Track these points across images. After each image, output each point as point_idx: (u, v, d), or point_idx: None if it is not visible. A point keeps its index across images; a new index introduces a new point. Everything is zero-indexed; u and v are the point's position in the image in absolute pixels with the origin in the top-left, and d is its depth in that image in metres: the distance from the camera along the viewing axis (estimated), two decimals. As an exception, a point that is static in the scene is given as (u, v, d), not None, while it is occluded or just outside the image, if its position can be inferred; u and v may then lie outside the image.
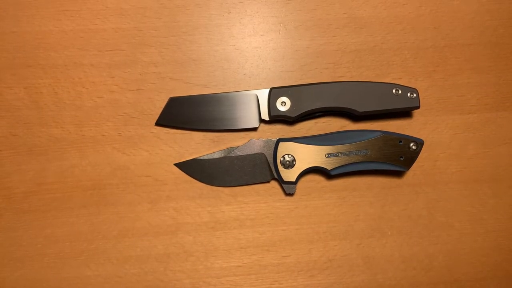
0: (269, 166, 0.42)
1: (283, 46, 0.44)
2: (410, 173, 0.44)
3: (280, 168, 0.41)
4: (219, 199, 0.43)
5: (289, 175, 0.41)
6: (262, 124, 0.43)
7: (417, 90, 0.41)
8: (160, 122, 0.42)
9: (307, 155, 0.41)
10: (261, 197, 0.43)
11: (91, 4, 0.43)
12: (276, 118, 0.42)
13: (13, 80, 0.42)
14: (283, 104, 0.41)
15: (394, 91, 0.41)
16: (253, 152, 0.42)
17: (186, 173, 0.42)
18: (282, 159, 0.41)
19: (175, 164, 0.42)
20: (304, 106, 0.41)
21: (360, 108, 0.41)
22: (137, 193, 0.42)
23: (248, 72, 0.44)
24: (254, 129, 0.43)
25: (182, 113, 0.42)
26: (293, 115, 0.41)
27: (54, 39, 0.42)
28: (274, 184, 0.43)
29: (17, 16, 0.42)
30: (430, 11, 0.45)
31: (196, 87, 0.43)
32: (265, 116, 0.42)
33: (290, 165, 0.41)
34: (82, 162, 0.42)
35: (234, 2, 0.44)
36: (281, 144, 0.41)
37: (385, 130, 0.42)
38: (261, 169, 0.42)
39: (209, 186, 0.43)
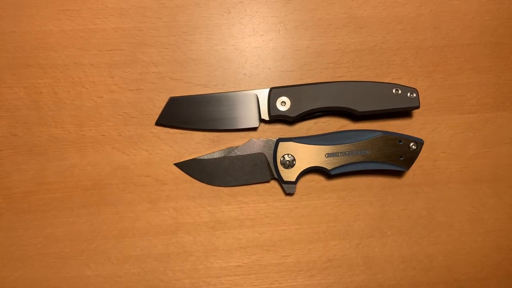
0: (269, 166, 0.42)
1: (283, 46, 0.44)
2: (410, 173, 0.44)
3: (280, 168, 0.41)
4: (219, 199, 0.43)
5: (289, 175, 0.41)
6: (262, 124, 0.43)
7: (417, 90, 0.41)
8: (160, 122, 0.42)
9: (307, 155, 0.41)
10: (261, 197, 0.43)
11: (91, 4, 0.43)
12: (276, 118, 0.42)
13: (13, 80, 0.42)
14: (283, 104, 0.41)
15: (394, 91, 0.41)
16: (253, 152, 0.42)
17: (186, 173, 0.42)
18: (282, 159, 0.41)
19: (175, 164, 0.42)
20: (304, 106, 0.41)
21: (360, 108, 0.41)
22: (137, 193, 0.42)
23: (248, 72, 0.44)
24: (254, 129, 0.43)
25: (182, 113, 0.42)
26: (293, 115, 0.41)
27: (54, 39, 0.42)
28: (274, 184, 0.43)
29: (17, 16, 0.42)
30: (430, 11, 0.45)
31: (196, 87, 0.43)
32: (265, 116, 0.42)
33: (290, 165, 0.41)
34: (82, 162, 0.42)
35: (234, 2, 0.44)
36: (281, 144, 0.41)
37: (385, 130, 0.42)
38: (261, 169, 0.42)
39: (209, 186, 0.43)
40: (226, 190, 0.43)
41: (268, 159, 0.42)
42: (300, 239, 0.43)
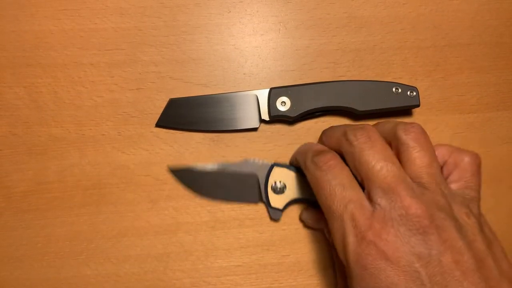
0: (259, 188, 0.41)
1: (283, 45, 0.44)
2: (410, 173, 0.44)
3: (270, 192, 0.40)
4: (219, 199, 0.43)
5: (277, 201, 0.40)
6: (262, 124, 0.43)
7: (416, 89, 0.41)
8: (160, 124, 0.42)
9: (299, 185, 0.40)
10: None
11: (90, 3, 0.43)
12: (276, 118, 0.42)
13: (13, 79, 0.42)
14: (283, 104, 0.41)
15: (394, 89, 0.41)
16: (246, 172, 0.41)
17: (178, 180, 0.42)
18: (273, 184, 0.40)
19: (169, 168, 0.42)
20: (304, 105, 0.41)
21: (360, 107, 0.41)
22: (137, 193, 0.42)
23: (248, 72, 0.44)
24: (254, 129, 0.43)
25: (182, 115, 0.42)
26: (293, 114, 0.41)
27: (54, 38, 0.42)
28: (274, 183, 0.43)
29: (16, 16, 0.42)
30: (430, 11, 0.45)
31: (196, 86, 0.43)
32: (265, 116, 0.42)
33: (280, 191, 0.40)
34: (82, 161, 0.42)
35: (234, 1, 0.44)
36: (275, 168, 0.40)
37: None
38: (251, 190, 0.41)
39: (209, 186, 0.43)
40: (226, 189, 0.43)
41: (260, 181, 0.41)
42: (300, 238, 0.43)
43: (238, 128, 0.42)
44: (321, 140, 0.37)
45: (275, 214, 0.41)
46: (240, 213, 0.43)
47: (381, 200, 0.27)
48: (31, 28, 0.42)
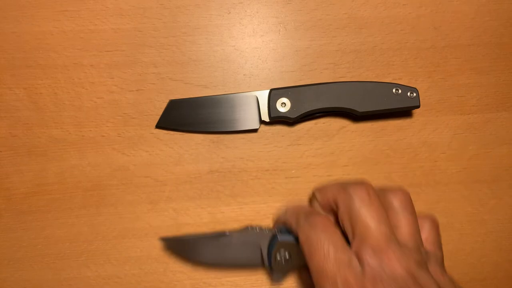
0: (261, 256, 0.38)
1: (283, 46, 0.44)
2: (410, 174, 0.44)
3: (273, 261, 0.38)
4: (218, 200, 0.43)
5: (281, 269, 0.38)
6: (262, 125, 0.43)
7: (417, 90, 0.41)
8: (160, 125, 0.42)
9: (302, 255, 0.36)
10: (261, 198, 0.43)
11: (90, 5, 0.43)
12: (276, 119, 0.42)
13: (13, 80, 0.42)
14: (283, 105, 0.41)
15: (394, 90, 0.41)
16: (248, 240, 0.39)
17: (168, 251, 0.41)
18: (277, 256, 0.37)
19: (160, 238, 0.41)
20: (304, 106, 0.41)
21: (360, 108, 0.41)
22: (137, 194, 0.42)
23: (248, 73, 0.44)
24: (255, 130, 0.43)
25: (182, 116, 0.42)
26: (293, 116, 0.41)
27: (54, 39, 0.42)
28: (273, 185, 0.43)
29: (16, 17, 0.42)
30: (430, 12, 0.45)
31: (196, 87, 0.43)
32: (265, 117, 0.42)
33: (284, 260, 0.37)
34: (82, 162, 0.42)
35: (234, 2, 0.44)
36: (279, 243, 0.37)
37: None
38: (254, 259, 0.39)
39: (209, 187, 0.43)
40: (226, 191, 0.43)
41: (263, 250, 0.38)
42: (300, 240, 0.43)
43: (238, 129, 0.42)
44: (313, 197, 0.37)
45: (278, 278, 0.40)
46: (240, 214, 0.43)
47: (371, 259, 0.29)
48: (31, 30, 0.42)
